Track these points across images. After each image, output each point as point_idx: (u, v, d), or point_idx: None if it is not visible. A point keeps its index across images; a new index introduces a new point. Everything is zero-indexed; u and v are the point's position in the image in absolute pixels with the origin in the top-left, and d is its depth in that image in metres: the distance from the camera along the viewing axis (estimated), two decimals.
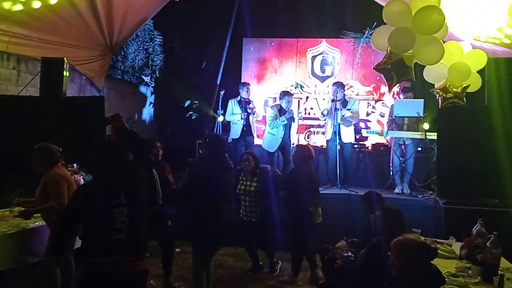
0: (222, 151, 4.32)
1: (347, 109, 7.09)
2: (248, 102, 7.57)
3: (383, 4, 5.15)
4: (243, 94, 7.57)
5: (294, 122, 7.46)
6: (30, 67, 6.34)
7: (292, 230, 5.31)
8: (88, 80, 7.46)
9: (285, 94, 7.35)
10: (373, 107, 8.78)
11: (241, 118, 7.44)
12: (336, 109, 7.02)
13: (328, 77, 8.98)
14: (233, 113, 7.53)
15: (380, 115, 8.70)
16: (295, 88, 8.97)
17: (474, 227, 3.73)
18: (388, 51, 4.86)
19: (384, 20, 5.08)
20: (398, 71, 4.79)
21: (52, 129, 5.22)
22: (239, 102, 7.55)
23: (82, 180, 4.99)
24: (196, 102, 9.30)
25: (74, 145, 5.00)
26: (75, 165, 5.06)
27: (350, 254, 3.80)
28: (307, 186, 5.22)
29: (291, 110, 7.26)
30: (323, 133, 7.92)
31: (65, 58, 5.78)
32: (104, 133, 5.48)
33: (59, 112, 5.50)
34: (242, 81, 8.59)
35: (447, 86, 5.42)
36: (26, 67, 6.32)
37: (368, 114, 8.73)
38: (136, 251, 2.88)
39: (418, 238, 2.74)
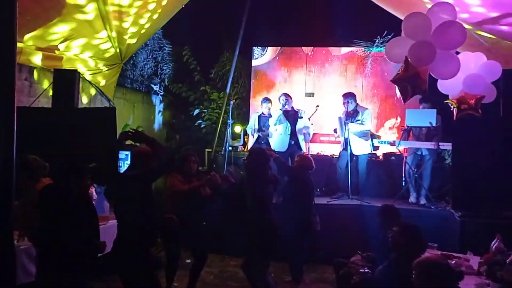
0: (261, 162, 4.51)
1: (357, 120, 7.04)
2: (267, 117, 7.56)
3: (400, 16, 5.10)
4: (264, 109, 7.60)
5: (301, 118, 7.21)
6: (42, 78, 6.35)
7: (291, 237, 5.29)
8: (98, 90, 7.46)
9: (281, 94, 7.33)
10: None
11: (251, 134, 7.63)
12: (345, 123, 7.01)
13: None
14: (253, 127, 7.65)
15: None
16: (305, 96, 8.96)
17: (493, 243, 3.69)
18: (405, 63, 4.80)
19: (403, 33, 5.00)
20: (414, 84, 4.74)
21: (64, 140, 5.21)
22: (259, 117, 7.61)
23: (94, 192, 4.97)
24: (205, 111, 9.29)
25: (86, 156, 5.01)
26: None
27: (367, 270, 3.75)
28: (307, 193, 5.38)
29: (288, 104, 7.15)
30: (335, 142, 7.99)
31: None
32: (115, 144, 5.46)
33: (71, 124, 5.48)
34: (252, 91, 8.70)
35: (462, 97, 5.36)
36: (38, 78, 6.33)
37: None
38: None
39: (443, 260, 2.69)
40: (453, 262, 3.87)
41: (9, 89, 1.64)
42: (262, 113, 7.63)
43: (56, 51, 6.29)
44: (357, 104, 7.26)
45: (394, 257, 3.45)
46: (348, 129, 6.95)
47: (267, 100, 7.68)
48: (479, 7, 5.20)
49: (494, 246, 3.62)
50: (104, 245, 3.70)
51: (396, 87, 5.01)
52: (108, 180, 4.04)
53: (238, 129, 7.92)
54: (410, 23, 4.84)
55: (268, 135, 7.39)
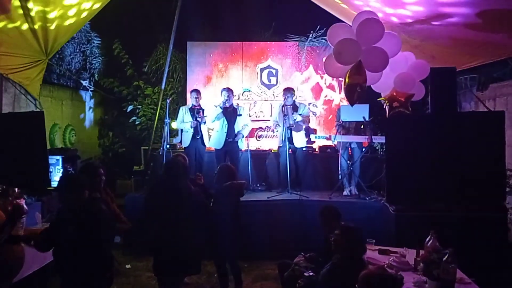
0: (175, 176, 4.39)
1: (299, 114, 7.14)
2: (199, 109, 7.36)
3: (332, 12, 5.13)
4: (193, 101, 7.41)
5: (240, 115, 7.24)
6: None
7: (230, 245, 5.07)
8: (23, 89, 6.99)
9: (224, 89, 7.28)
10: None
11: (191, 127, 7.26)
12: (285, 115, 7.03)
13: (273, 85, 9.03)
14: (184, 121, 7.35)
15: (313, 114, 8.86)
16: (243, 92, 8.93)
17: (427, 240, 3.85)
18: (358, 68, 4.85)
19: (356, 37, 5.02)
20: (363, 88, 4.87)
21: None
22: (190, 110, 7.36)
23: (24, 204, 4.67)
24: (140, 107, 8.99)
25: (13, 166, 4.70)
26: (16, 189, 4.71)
27: (312, 273, 3.82)
28: (237, 201, 5.20)
29: (229, 101, 7.17)
30: (273, 137, 8.04)
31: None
32: (45, 152, 5.14)
33: None
34: (188, 86, 8.44)
35: (393, 95, 5.57)
36: None
37: None
38: None
39: (386, 272, 2.79)
40: (391, 258, 4.04)
41: None
42: (193, 105, 7.42)
43: None
44: (295, 100, 7.36)
45: (337, 260, 3.53)
46: (291, 120, 7.04)
47: (195, 91, 7.51)
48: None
49: (429, 243, 3.78)
50: None
51: (343, 90, 5.10)
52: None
53: (175, 125, 7.67)
54: (363, 29, 4.89)
55: (203, 122, 7.34)
